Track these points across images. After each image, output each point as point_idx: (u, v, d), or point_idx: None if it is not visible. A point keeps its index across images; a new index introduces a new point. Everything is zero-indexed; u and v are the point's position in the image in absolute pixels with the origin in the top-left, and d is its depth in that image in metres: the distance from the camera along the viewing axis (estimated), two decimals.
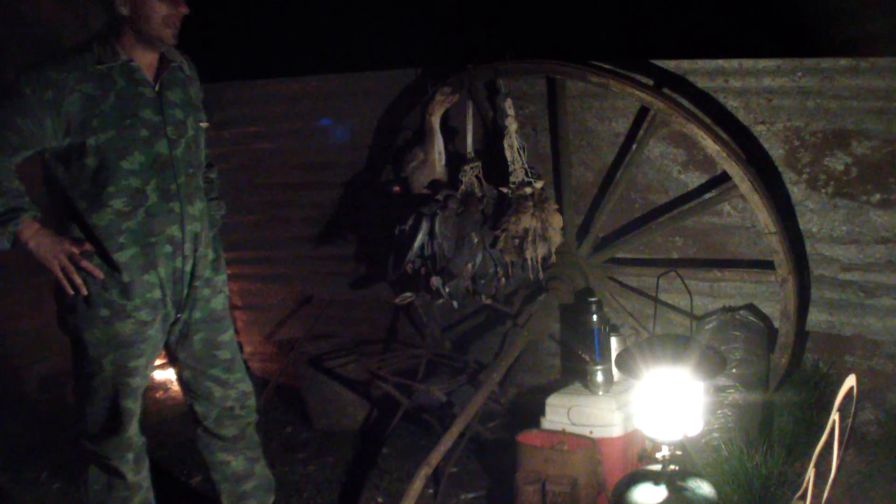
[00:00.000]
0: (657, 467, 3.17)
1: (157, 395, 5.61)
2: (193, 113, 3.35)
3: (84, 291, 3.16)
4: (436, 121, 4.41)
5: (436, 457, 3.78)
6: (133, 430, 3.39)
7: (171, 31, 3.16)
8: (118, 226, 3.18)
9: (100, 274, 3.17)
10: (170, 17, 3.14)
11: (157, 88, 3.21)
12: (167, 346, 3.47)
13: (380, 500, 4.17)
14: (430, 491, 4.07)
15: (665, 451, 3.18)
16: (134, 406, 3.36)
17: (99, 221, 3.17)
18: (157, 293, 3.28)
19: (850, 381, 2.93)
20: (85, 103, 3.08)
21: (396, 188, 4.55)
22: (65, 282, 3.13)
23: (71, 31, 5.16)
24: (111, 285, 3.21)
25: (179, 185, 3.25)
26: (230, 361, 3.52)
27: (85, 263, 3.14)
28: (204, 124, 3.40)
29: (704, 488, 3.08)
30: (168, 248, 3.26)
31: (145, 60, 3.20)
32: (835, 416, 2.87)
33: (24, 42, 5.15)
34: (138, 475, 3.44)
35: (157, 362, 5.36)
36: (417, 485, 3.61)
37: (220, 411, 3.52)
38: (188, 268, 3.34)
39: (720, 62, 4.17)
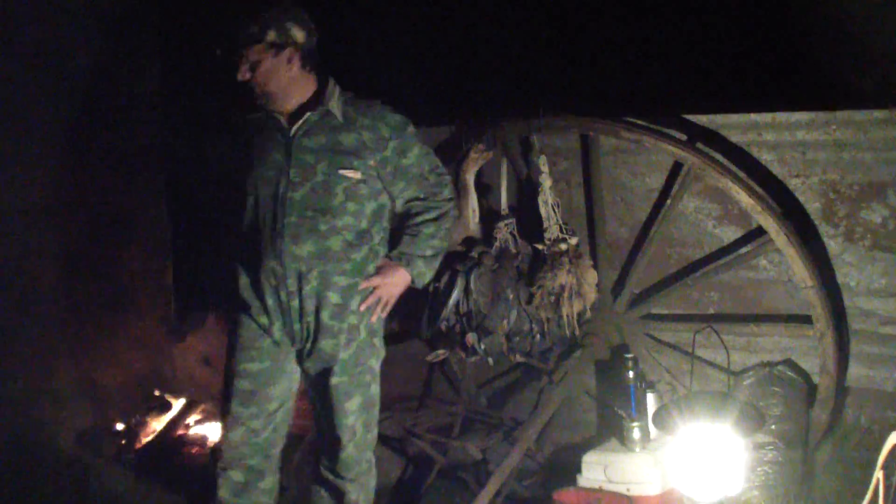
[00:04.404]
0: None
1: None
2: (331, 158, 3.46)
3: None
4: (470, 178, 4.40)
5: None
6: (238, 439, 3.57)
7: (252, 93, 3.46)
8: (241, 252, 3.55)
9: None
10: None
11: (292, 133, 3.45)
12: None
13: None
14: None
15: None
16: (241, 411, 3.56)
17: (234, 246, 3.60)
18: (264, 319, 3.54)
19: (894, 439, 2.88)
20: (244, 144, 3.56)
21: None
22: None
23: None
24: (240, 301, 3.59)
25: (286, 224, 3.42)
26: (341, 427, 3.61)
27: None
28: (348, 172, 3.47)
29: None
30: (273, 281, 3.47)
31: (287, 108, 3.49)
32: (878, 474, 2.83)
33: None
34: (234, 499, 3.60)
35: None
36: None
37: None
38: (294, 303, 3.49)
39: (753, 116, 4.17)
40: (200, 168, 5.14)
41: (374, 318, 3.60)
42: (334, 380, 3.56)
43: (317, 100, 3.50)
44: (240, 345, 3.58)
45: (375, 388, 3.69)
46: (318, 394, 3.63)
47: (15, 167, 4.85)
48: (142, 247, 5.67)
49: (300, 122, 3.46)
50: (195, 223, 5.63)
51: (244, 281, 3.55)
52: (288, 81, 3.44)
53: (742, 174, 4.13)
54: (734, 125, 4.22)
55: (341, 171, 3.46)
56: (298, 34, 3.40)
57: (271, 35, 3.36)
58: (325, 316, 3.51)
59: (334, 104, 3.49)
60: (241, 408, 3.57)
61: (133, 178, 5.56)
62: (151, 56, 5.54)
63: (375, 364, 3.67)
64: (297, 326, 3.53)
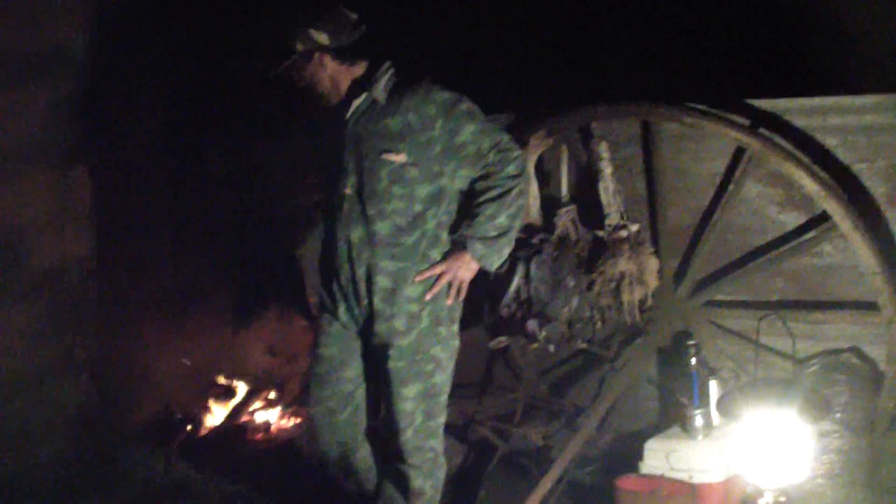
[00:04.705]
0: None
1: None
2: (376, 144, 3.51)
3: None
4: (531, 165, 4.38)
5: (533, 500, 3.86)
6: (320, 418, 3.75)
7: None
8: (323, 240, 3.73)
9: None
10: None
11: (350, 120, 3.56)
12: None
13: None
14: None
15: (769, 498, 3.14)
16: (318, 392, 3.74)
17: (322, 234, 3.77)
18: (330, 303, 3.72)
19: None
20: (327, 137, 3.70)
21: None
22: None
23: None
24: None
25: (342, 211, 3.57)
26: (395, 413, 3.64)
27: None
28: (391, 156, 3.49)
29: None
30: (338, 261, 3.61)
31: (340, 99, 3.61)
32: None
33: None
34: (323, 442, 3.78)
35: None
36: None
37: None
38: (350, 288, 3.61)
39: (818, 100, 4.12)
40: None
41: (449, 302, 3.60)
42: (391, 364, 3.58)
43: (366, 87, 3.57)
44: (319, 330, 3.77)
45: (440, 378, 3.66)
46: (379, 377, 3.66)
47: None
48: (207, 237, 5.74)
49: (350, 111, 3.56)
50: (261, 215, 5.78)
51: (322, 268, 3.74)
52: (329, 79, 3.56)
53: (806, 159, 4.09)
54: (798, 109, 4.17)
55: (384, 156, 3.49)
56: (321, 37, 3.49)
57: (298, 46, 3.49)
58: (376, 300, 3.56)
59: (379, 89, 3.53)
60: (318, 389, 3.74)
61: (200, 170, 5.67)
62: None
63: (441, 353, 3.64)
64: (356, 311, 3.63)
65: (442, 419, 3.73)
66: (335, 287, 3.65)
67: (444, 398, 3.71)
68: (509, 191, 3.54)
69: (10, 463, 4.53)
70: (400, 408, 3.60)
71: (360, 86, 3.57)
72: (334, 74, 3.55)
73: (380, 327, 3.58)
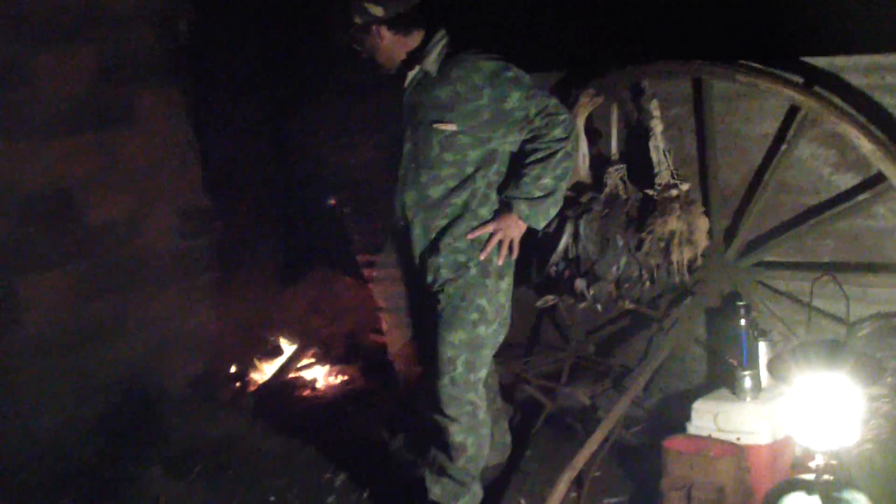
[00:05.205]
0: (810, 477, 3.09)
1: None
2: (427, 113, 3.64)
3: None
4: (580, 123, 4.38)
5: (580, 460, 3.82)
6: (422, 356, 3.98)
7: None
8: (390, 197, 3.85)
9: None
10: None
11: (407, 90, 3.70)
12: None
13: (522, 501, 4.16)
14: (573, 494, 4.03)
15: (819, 461, 3.11)
16: (416, 333, 4.10)
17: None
18: (400, 256, 3.93)
19: None
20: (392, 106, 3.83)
21: None
22: None
23: None
24: None
25: (400, 176, 3.73)
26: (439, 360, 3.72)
27: None
28: (441, 125, 3.61)
29: (861, 501, 2.99)
30: (400, 224, 3.79)
31: (398, 69, 3.73)
32: None
33: None
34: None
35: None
36: (561, 488, 3.67)
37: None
38: (407, 244, 3.78)
39: (876, 57, 4.02)
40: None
41: (500, 262, 3.71)
42: (437, 308, 3.71)
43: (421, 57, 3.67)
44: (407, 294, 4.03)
45: (484, 330, 3.73)
46: (430, 326, 3.76)
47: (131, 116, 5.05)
48: (254, 197, 5.84)
49: (407, 81, 3.69)
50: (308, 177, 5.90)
51: (392, 236, 3.95)
52: (386, 50, 3.67)
53: (862, 118, 3.99)
54: (855, 67, 4.08)
55: (435, 125, 3.61)
56: (376, 10, 3.60)
57: (357, 20, 3.63)
58: (427, 255, 3.72)
59: (431, 60, 3.64)
60: (420, 350, 4.01)
61: (244, 133, 5.76)
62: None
63: (486, 305, 3.71)
64: (415, 269, 3.79)
65: (482, 375, 3.77)
66: (400, 245, 3.84)
67: (487, 353, 3.77)
68: (555, 153, 3.64)
69: (59, 419, 4.66)
70: (442, 352, 3.69)
71: (415, 57, 3.67)
72: (391, 45, 3.66)
73: (430, 277, 3.72)
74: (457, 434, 3.74)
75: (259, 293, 5.88)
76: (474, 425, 3.77)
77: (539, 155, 3.64)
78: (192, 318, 5.43)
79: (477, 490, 3.90)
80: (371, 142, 5.52)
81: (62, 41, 4.67)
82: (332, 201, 5.89)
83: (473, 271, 3.69)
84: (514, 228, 3.69)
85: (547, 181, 3.65)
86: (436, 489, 3.86)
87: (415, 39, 3.69)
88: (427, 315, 3.79)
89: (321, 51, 5.65)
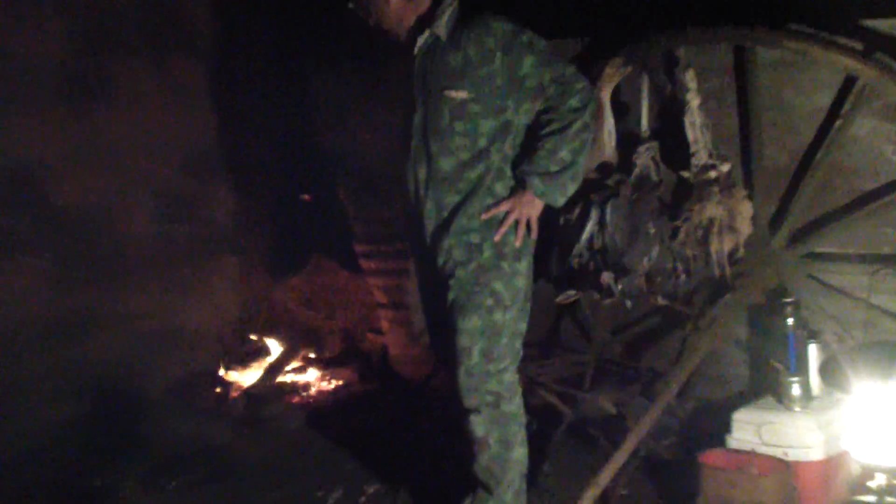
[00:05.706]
0: (871, 499, 3.13)
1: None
2: (437, 80, 3.58)
3: None
4: (606, 96, 4.30)
5: (605, 476, 3.72)
6: (436, 345, 3.93)
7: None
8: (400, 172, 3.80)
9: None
10: None
11: (417, 57, 3.65)
12: None
13: None
14: None
15: (881, 480, 3.24)
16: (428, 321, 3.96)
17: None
18: (409, 235, 3.86)
19: None
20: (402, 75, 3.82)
21: None
22: None
23: None
24: None
25: (411, 148, 3.67)
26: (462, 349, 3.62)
27: None
28: (452, 93, 3.53)
29: None
30: (410, 201, 3.74)
31: (407, 35, 3.70)
32: None
33: None
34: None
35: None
36: None
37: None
38: (420, 225, 3.69)
39: None
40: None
41: (518, 243, 3.60)
42: (451, 295, 3.63)
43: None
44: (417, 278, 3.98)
45: (501, 316, 3.61)
46: (446, 312, 3.69)
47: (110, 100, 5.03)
48: (240, 185, 5.79)
49: (416, 47, 3.65)
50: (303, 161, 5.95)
51: (402, 213, 3.89)
52: (395, 14, 3.64)
53: None
54: None
55: (445, 92, 3.57)
56: None
57: None
58: (440, 235, 3.65)
59: (440, 24, 3.60)
60: (433, 338, 3.95)
61: (233, 114, 5.72)
62: None
63: (502, 289, 3.60)
64: (426, 250, 3.71)
65: (504, 366, 3.65)
66: (409, 225, 3.77)
67: (506, 341, 3.65)
68: (570, 124, 3.58)
69: (25, 425, 4.58)
70: (457, 341, 3.61)
71: (424, 21, 3.66)
72: (399, 10, 3.64)
73: (441, 259, 3.66)
74: (477, 427, 3.63)
75: (245, 287, 5.84)
76: (498, 419, 3.64)
77: (554, 126, 3.56)
78: (173, 314, 5.36)
79: (507, 499, 3.73)
80: (369, 124, 5.52)
81: (27, 4, 4.57)
82: (307, 197, 6.01)
83: (488, 254, 3.60)
84: (530, 207, 3.59)
85: (563, 154, 3.56)
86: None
87: (424, 3, 3.65)
88: (440, 302, 3.71)
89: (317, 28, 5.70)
